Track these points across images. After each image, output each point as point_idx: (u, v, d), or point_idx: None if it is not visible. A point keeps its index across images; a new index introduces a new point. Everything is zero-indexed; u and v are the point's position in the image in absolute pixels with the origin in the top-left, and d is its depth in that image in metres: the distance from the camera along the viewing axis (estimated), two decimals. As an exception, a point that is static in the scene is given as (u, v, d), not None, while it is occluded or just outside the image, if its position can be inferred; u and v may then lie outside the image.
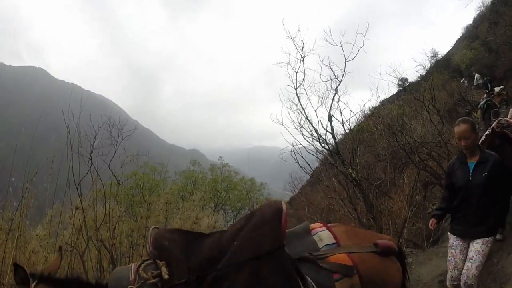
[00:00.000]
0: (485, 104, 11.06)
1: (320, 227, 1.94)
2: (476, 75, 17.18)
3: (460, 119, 3.55)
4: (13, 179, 4.85)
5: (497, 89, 11.86)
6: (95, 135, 5.08)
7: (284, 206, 1.84)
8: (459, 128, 3.35)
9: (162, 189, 8.80)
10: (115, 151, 5.42)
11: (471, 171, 3.35)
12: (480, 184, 3.26)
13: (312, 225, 1.96)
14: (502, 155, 3.90)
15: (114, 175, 5.60)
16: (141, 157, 7.95)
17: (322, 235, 1.84)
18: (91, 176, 4.81)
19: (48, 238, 4.38)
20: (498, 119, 5.32)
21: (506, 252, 4.64)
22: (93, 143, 5.01)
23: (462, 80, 17.57)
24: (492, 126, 5.11)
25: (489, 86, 14.66)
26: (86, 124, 4.88)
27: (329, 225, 1.95)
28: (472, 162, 3.38)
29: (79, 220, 4.50)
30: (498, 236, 4.65)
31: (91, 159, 4.93)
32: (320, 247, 1.79)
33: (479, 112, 10.87)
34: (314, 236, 1.85)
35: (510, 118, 9.65)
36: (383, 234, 6.60)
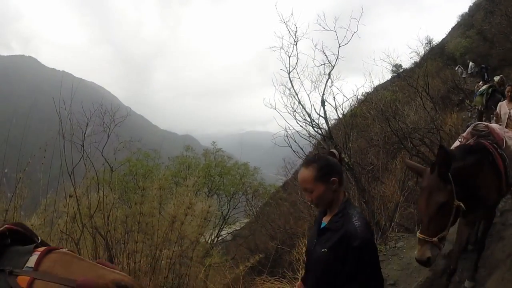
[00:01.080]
0: (489, 89, 9.47)
1: (39, 251, 1.67)
2: (471, 63, 17.16)
3: (304, 160, 2.20)
4: (6, 170, 4.82)
5: (496, 78, 11.24)
6: (87, 122, 5.05)
7: None
8: (300, 175, 2.04)
9: (156, 175, 8.81)
10: (108, 138, 5.41)
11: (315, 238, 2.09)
12: (316, 261, 2.03)
13: (39, 249, 1.71)
14: (476, 180, 3.22)
15: (107, 162, 5.60)
16: (134, 144, 7.93)
17: (32, 258, 1.72)
18: (84, 164, 4.80)
19: (43, 227, 4.40)
20: (474, 124, 4.00)
21: (496, 237, 4.73)
22: (85, 131, 4.98)
23: (457, 68, 17.50)
24: (464, 134, 3.96)
25: (486, 75, 14.48)
26: (78, 111, 4.84)
27: (56, 251, 1.71)
28: (324, 223, 2.08)
29: (73, 208, 4.50)
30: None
31: (83, 146, 4.91)
32: (22, 266, 1.62)
33: (478, 98, 9.77)
34: (30, 257, 1.73)
35: (499, 112, 9.39)
36: (376, 217, 6.74)
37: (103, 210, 4.90)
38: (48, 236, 4.31)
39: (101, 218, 4.85)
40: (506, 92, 7.68)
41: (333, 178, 1.98)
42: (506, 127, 4.77)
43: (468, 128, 3.93)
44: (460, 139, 3.97)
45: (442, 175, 2.82)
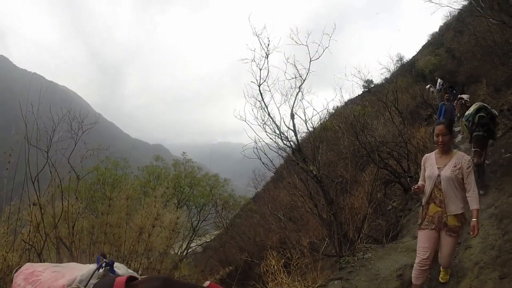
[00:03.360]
0: (476, 115, 7.10)
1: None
2: (439, 80, 17.93)
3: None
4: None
5: (465, 96, 11.14)
6: (54, 127, 4.87)
7: None
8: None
9: (124, 184, 8.59)
10: (75, 145, 5.23)
11: None
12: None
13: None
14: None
15: (74, 170, 5.41)
16: (103, 152, 7.71)
17: None
18: (50, 171, 4.61)
19: (7, 237, 4.16)
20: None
21: (463, 247, 4.90)
22: (52, 136, 4.80)
23: (428, 86, 18.02)
24: None
25: (454, 90, 14.87)
26: (46, 116, 4.67)
27: None
28: None
29: (36, 217, 4.30)
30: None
31: (47, 152, 4.72)
32: None
33: (463, 125, 8.01)
34: None
35: (467, 100, 9.67)
36: (345, 228, 6.87)
37: (68, 219, 4.71)
38: (12, 245, 4.08)
39: (66, 228, 4.65)
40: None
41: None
42: (430, 196, 3.72)
43: None
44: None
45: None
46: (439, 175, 3.64)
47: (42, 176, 4.42)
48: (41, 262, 4.09)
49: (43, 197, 4.51)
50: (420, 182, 3.89)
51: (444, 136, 3.66)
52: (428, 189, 3.75)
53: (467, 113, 7.52)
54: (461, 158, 3.59)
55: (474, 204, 3.43)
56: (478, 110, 7.21)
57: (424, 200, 3.79)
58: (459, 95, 12.00)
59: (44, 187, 4.56)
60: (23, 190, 4.23)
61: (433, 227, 3.66)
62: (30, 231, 4.24)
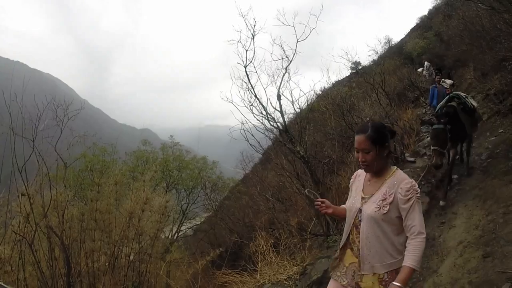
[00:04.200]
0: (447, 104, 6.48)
1: None
2: (426, 62, 18.04)
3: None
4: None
5: (447, 82, 10.64)
6: (39, 115, 4.80)
7: None
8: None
9: (113, 170, 8.56)
10: (61, 132, 5.18)
11: None
12: None
13: None
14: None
15: (61, 158, 5.37)
16: (90, 138, 7.65)
17: None
18: (37, 160, 4.58)
19: (-3, 229, 4.16)
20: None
21: (448, 226, 5.08)
22: (37, 125, 4.74)
23: (421, 69, 17.95)
24: None
25: (440, 73, 14.85)
26: (31, 105, 4.60)
27: None
28: None
29: (25, 207, 4.30)
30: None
31: (34, 141, 4.68)
32: None
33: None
34: None
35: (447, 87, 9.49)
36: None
37: (57, 208, 4.72)
38: (3, 238, 4.09)
39: (55, 217, 4.66)
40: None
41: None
42: (347, 239, 2.45)
43: None
44: None
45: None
46: (360, 210, 2.34)
47: (29, 166, 4.40)
48: (32, 252, 4.12)
49: (31, 187, 4.50)
50: (342, 205, 2.59)
51: (366, 154, 2.27)
52: (346, 226, 2.45)
53: (438, 105, 6.75)
54: (397, 185, 2.21)
55: (408, 259, 2.06)
56: (449, 99, 6.43)
57: (341, 241, 2.49)
58: (441, 79, 11.93)
59: (32, 177, 4.54)
60: (10, 182, 4.21)
61: (345, 282, 2.38)
62: (20, 222, 4.25)
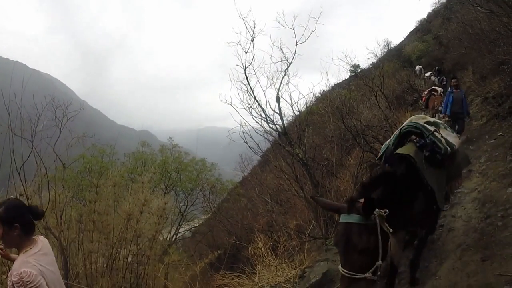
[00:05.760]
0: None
1: None
2: (417, 66, 18.11)
3: None
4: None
5: (438, 90, 10.73)
6: (38, 116, 4.79)
7: None
8: None
9: (111, 171, 8.55)
10: (60, 133, 5.17)
11: None
12: None
13: None
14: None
15: (59, 158, 5.36)
16: (89, 139, 7.64)
17: None
18: (35, 161, 4.56)
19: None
20: None
21: (447, 229, 5.06)
22: (36, 125, 4.73)
23: (429, 74, 17.97)
24: None
25: (440, 73, 14.74)
26: (30, 105, 4.59)
27: None
28: None
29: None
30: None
31: (32, 142, 4.67)
32: None
33: None
34: None
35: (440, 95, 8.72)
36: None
37: (55, 209, 4.70)
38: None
39: (54, 218, 4.64)
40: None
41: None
42: None
43: None
44: None
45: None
46: None
47: (28, 166, 4.38)
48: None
49: (29, 188, 4.49)
50: None
51: None
52: None
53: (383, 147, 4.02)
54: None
55: None
56: (401, 138, 3.69)
57: None
58: (432, 87, 11.61)
59: (30, 178, 4.52)
60: (9, 182, 4.19)
61: None
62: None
